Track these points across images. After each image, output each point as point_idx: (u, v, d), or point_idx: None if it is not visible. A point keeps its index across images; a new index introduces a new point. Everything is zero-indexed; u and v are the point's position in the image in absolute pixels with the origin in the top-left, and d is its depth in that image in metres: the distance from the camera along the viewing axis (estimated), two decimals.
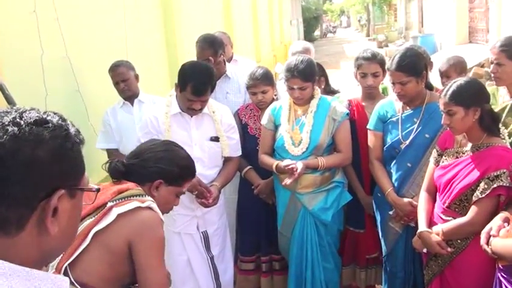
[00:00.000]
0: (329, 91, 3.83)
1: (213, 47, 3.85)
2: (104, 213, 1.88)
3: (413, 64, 2.90)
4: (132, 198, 1.94)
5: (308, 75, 3.12)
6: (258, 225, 3.65)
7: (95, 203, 1.83)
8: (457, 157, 2.59)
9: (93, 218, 1.87)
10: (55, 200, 0.96)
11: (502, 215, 2.32)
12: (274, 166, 3.21)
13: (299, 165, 3.07)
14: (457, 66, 3.94)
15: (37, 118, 0.97)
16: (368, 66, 3.29)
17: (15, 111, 0.98)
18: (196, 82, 2.92)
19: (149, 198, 2.01)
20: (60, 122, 1.01)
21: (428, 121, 2.98)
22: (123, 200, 1.93)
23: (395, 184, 3.09)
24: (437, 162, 2.71)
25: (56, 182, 0.97)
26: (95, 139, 4.02)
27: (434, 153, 2.76)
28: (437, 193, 2.70)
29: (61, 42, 3.68)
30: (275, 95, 3.65)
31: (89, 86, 4.04)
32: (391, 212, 3.13)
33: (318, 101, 3.24)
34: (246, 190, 3.62)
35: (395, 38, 24.02)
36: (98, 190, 1.12)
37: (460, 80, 2.52)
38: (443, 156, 2.68)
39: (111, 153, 3.93)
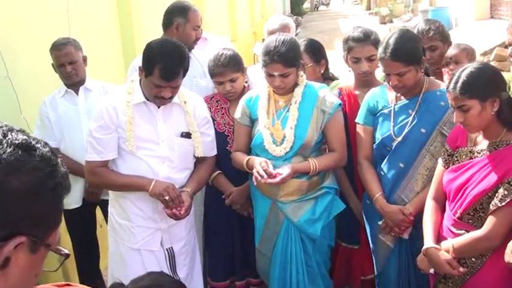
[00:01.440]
0: (327, 77, 3.86)
1: (182, 13, 3.96)
2: None
3: (413, 50, 2.94)
4: None
5: (291, 60, 3.11)
6: (230, 242, 3.66)
7: None
8: (471, 157, 2.63)
9: None
10: (11, 246, 0.90)
11: None
12: (244, 162, 3.22)
13: (285, 171, 3.07)
14: (469, 53, 3.97)
15: (23, 141, 0.98)
16: (361, 50, 3.33)
17: (1, 127, 0.99)
18: (166, 64, 2.91)
19: None
20: (49, 154, 0.99)
21: (425, 113, 3.03)
22: None
23: (385, 188, 3.14)
24: (447, 164, 2.75)
25: (20, 225, 0.92)
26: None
27: (443, 153, 2.80)
28: (447, 201, 2.74)
29: None
30: (245, 82, 3.66)
31: (21, 71, 4.00)
32: (380, 222, 3.17)
33: (304, 88, 3.24)
34: (215, 200, 3.63)
35: (401, 12, 24.19)
36: (67, 256, 1.07)
37: (470, 67, 2.54)
38: (455, 157, 2.71)
39: None
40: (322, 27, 25.57)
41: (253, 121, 3.33)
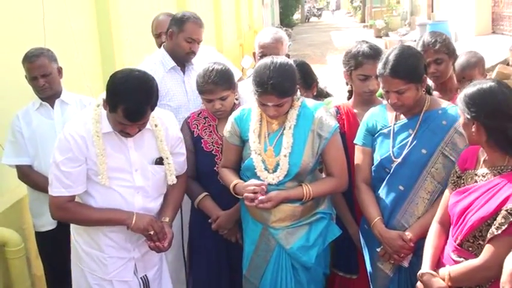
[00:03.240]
0: (319, 95, 3.87)
1: (179, 22, 4.04)
2: None
3: (413, 68, 2.96)
4: None
5: (287, 90, 3.07)
6: (216, 269, 3.64)
7: None
8: (476, 181, 2.66)
9: None
10: None
11: None
12: (231, 186, 3.22)
13: (273, 196, 3.08)
14: (480, 65, 4.01)
15: None
16: (371, 67, 3.30)
17: None
18: (130, 104, 2.82)
19: None
20: None
21: (426, 133, 3.05)
22: None
23: (384, 213, 3.15)
24: (454, 187, 2.77)
25: None
26: (1, 152, 3.97)
27: (452, 175, 2.82)
28: (451, 226, 2.76)
29: None
30: (236, 99, 3.65)
31: None
32: (378, 249, 3.18)
33: (298, 110, 3.21)
34: (201, 224, 3.62)
35: (397, 26, 24.45)
36: None
37: (473, 86, 2.59)
38: (462, 179, 2.75)
39: (24, 171, 3.89)
40: (314, 39, 25.77)
41: (243, 141, 3.29)
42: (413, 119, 3.09)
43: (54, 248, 3.93)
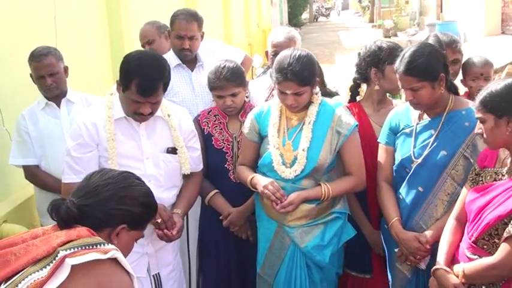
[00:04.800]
0: (325, 93, 3.88)
1: (197, 20, 4.03)
2: (56, 266, 1.86)
3: (427, 65, 2.93)
4: (90, 248, 1.93)
5: (306, 78, 3.09)
6: (227, 267, 3.65)
7: (38, 253, 1.88)
8: (495, 179, 2.64)
9: (41, 272, 1.86)
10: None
11: None
12: (249, 181, 3.23)
13: (293, 199, 3.10)
14: (492, 67, 4.02)
15: None
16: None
17: None
18: (144, 78, 2.89)
19: (112, 246, 2.02)
20: None
21: (448, 134, 3.02)
22: (78, 249, 1.91)
23: (403, 214, 3.13)
24: (473, 184, 2.75)
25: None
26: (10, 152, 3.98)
27: (471, 172, 2.81)
28: (467, 223, 2.74)
29: None
30: (246, 97, 3.67)
31: (4, 81, 4.02)
32: (396, 250, 3.17)
33: (318, 107, 3.24)
34: (211, 221, 3.63)
35: (406, 26, 24.42)
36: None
37: (498, 83, 2.57)
38: (481, 177, 2.73)
39: (31, 171, 3.88)
40: (322, 39, 25.73)
41: (262, 137, 3.32)
42: (436, 119, 3.05)
43: None
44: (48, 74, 3.74)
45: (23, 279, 1.85)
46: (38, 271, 1.86)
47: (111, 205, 2.11)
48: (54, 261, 1.86)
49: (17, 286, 1.83)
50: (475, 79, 3.90)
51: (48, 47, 3.85)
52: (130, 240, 2.22)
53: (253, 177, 3.23)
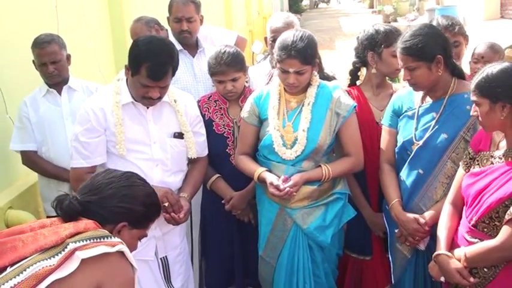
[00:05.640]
0: (323, 78, 3.88)
1: (194, 2, 4.01)
2: (66, 257, 1.92)
3: (422, 45, 2.93)
4: (98, 241, 2.01)
5: (308, 57, 3.12)
6: (229, 250, 3.67)
7: (46, 242, 1.95)
8: (492, 163, 2.64)
9: (49, 261, 1.92)
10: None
11: None
12: (256, 176, 3.24)
13: (297, 180, 3.11)
14: (501, 55, 4.05)
15: None
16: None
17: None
18: (153, 62, 2.92)
19: (118, 239, 2.10)
20: None
21: (449, 117, 3.02)
22: (87, 241, 1.98)
23: (404, 195, 3.15)
24: (467, 168, 2.76)
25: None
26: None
27: (465, 156, 2.81)
28: (464, 207, 2.75)
29: None
30: (246, 82, 3.68)
31: (7, 69, 4.02)
32: (396, 230, 3.19)
33: (317, 89, 3.26)
34: (213, 205, 3.65)
35: (406, 11, 24.31)
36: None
37: (494, 67, 2.56)
38: (476, 161, 2.73)
39: (29, 157, 3.90)
40: (322, 25, 25.63)
41: (261, 121, 3.33)
42: (438, 102, 3.06)
43: None
44: (50, 61, 3.75)
45: (31, 265, 1.90)
46: (46, 259, 1.92)
47: (113, 203, 2.18)
48: (63, 252, 1.93)
49: (24, 271, 1.88)
50: (476, 61, 3.95)
51: (52, 35, 3.87)
52: (132, 238, 2.29)
53: (260, 174, 3.21)
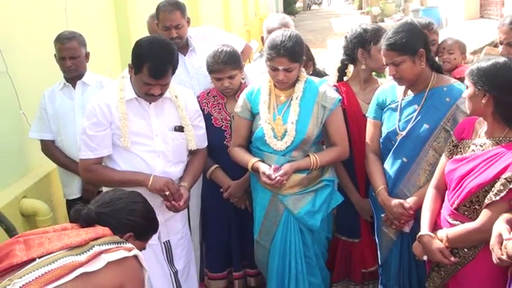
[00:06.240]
0: (315, 74, 3.87)
1: (179, 8, 3.93)
2: (94, 256, 2.07)
3: (406, 40, 2.94)
4: (118, 246, 2.17)
5: (296, 55, 3.14)
6: (228, 234, 3.69)
7: (71, 241, 2.09)
8: (473, 150, 2.64)
9: (77, 257, 2.04)
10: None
11: (505, 216, 2.38)
12: (250, 166, 3.24)
13: (287, 169, 3.12)
14: (460, 45, 4.15)
15: None
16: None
17: None
18: (155, 62, 2.92)
19: (131, 245, 2.24)
20: None
21: (430, 109, 3.03)
22: (109, 245, 2.15)
23: (389, 182, 3.16)
24: (450, 155, 2.76)
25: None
26: (28, 131, 4.00)
27: (449, 144, 2.82)
28: (447, 191, 2.76)
29: None
30: (242, 79, 3.68)
31: (20, 67, 4.00)
32: (383, 215, 3.20)
33: (304, 84, 3.26)
34: (212, 193, 3.66)
35: (392, 12, 24.25)
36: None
37: (489, 59, 2.58)
38: (459, 148, 2.73)
39: (46, 145, 3.95)
40: (315, 26, 25.55)
41: (253, 115, 3.34)
42: (419, 95, 3.07)
43: None
44: (69, 56, 3.80)
45: (60, 258, 2.02)
46: (74, 255, 2.04)
47: (123, 215, 2.35)
48: (90, 251, 2.07)
49: (54, 262, 1.99)
50: (441, 55, 4.15)
51: (74, 32, 3.91)
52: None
53: (253, 164, 3.23)
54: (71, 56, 3.79)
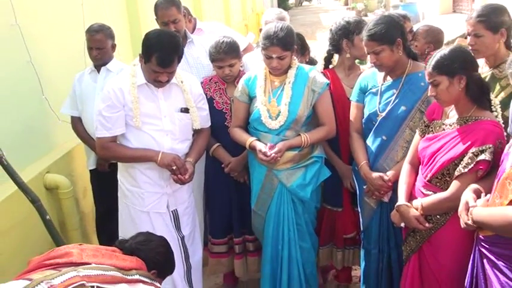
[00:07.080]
0: (311, 62, 3.88)
1: (174, 4, 3.87)
2: (135, 281, 2.24)
3: (385, 31, 2.93)
4: (151, 282, 2.33)
5: (288, 44, 3.14)
6: (228, 205, 3.70)
7: (118, 263, 2.27)
8: (443, 129, 2.66)
9: (124, 276, 2.22)
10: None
11: (472, 186, 2.41)
12: (248, 144, 3.26)
13: (281, 147, 3.15)
14: (429, 33, 4.14)
15: None
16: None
17: None
18: (162, 53, 2.93)
19: (158, 284, 2.40)
20: None
21: (407, 92, 3.04)
22: (146, 279, 2.31)
23: (370, 158, 3.18)
24: (423, 134, 2.79)
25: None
26: (51, 115, 4.00)
27: (421, 124, 2.83)
28: (420, 166, 2.79)
29: (9, 8, 3.61)
30: (241, 67, 3.68)
31: (43, 57, 3.99)
32: (365, 187, 3.23)
33: (296, 70, 3.27)
34: (214, 168, 3.66)
35: (375, 7, 24.14)
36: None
37: (445, 49, 2.58)
38: (430, 128, 2.75)
39: (74, 121, 3.99)
40: (306, 20, 25.41)
41: (251, 99, 3.35)
42: (397, 80, 3.08)
43: (99, 184, 4.08)
44: (96, 47, 3.81)
45: (112, 271, 2.18)
46: (121, 274, 2.20)
47: (152, 254, 2.49)
48: (132, 276, 2.24)
49: (109, 271, 2.16)
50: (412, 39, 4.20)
51: (103, 25, 3.91)
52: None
53: (251, 142, 3.25)
54: (97, 47, 3.80)
